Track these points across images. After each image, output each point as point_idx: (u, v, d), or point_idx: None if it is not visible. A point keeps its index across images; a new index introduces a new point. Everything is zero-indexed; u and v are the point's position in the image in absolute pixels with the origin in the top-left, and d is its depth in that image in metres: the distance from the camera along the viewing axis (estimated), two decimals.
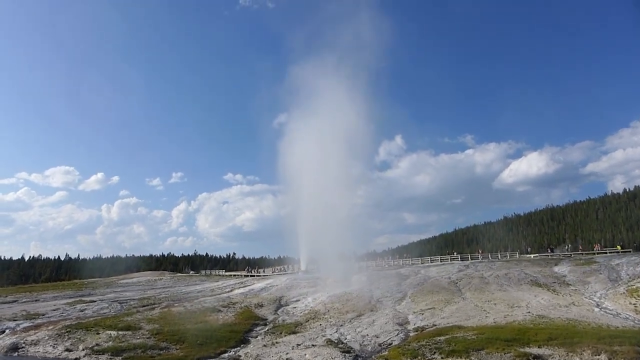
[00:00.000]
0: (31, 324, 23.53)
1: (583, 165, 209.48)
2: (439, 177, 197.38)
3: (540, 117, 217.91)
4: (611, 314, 20.38)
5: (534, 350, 13.82)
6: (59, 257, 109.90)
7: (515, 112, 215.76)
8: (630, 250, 45.25)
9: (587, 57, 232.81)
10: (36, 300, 34.38)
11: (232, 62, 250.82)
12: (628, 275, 27.03)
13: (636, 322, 18.96)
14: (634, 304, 21.39)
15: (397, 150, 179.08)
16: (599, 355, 12.81)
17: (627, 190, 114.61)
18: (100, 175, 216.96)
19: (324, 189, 47.03)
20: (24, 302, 33.71)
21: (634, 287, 23.83)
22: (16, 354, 18.73)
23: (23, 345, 19.43)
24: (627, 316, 20.02)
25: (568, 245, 56.55)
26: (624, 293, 23.30)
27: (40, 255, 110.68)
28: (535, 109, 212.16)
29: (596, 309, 21.32)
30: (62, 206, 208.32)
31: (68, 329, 20.70)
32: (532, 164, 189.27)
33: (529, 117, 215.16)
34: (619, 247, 47.10)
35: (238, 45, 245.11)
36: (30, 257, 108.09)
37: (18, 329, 22.37)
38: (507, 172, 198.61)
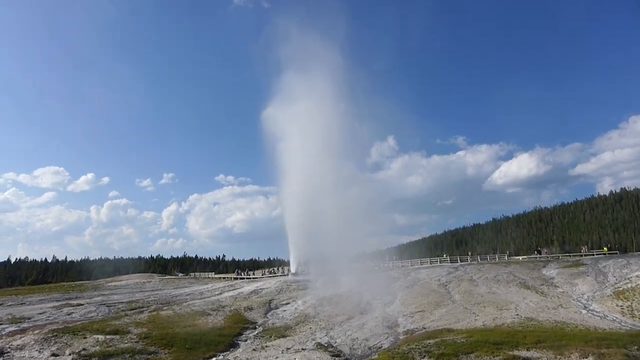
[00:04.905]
0: (17, 328, 23.10)
1: (572, 167, 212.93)
2: (430, 178, 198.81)
3: (532, 118, 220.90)
4: (598, 316, 20.62)
5: (523, 353, 13.92)
6: (46, 259, 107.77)
7: (507, 113, 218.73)
8: (617, 252, 45.96)
9: (577, 60, 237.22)
10: (22, 304, 33.82)
11: (225, 63, 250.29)
12: (615, 277, 27.37)
13: (623, 324, 19.19)
14: (621, 306, 21.67)
15: (389, 152, 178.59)
16: (586, 357, 12.94)
17: (614, 192, 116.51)
18: (90, 175, 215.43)
19: (314, 190, 46.98)
20: (10, 305, 33.13)
21: (621, 289, 24.17)
22: (1, 358, 18.38)
23: (8, 350, 19.04)
24: (614, 318, 20.26)
25: (555, 243, 56.92)
26: (610, 295, 23.60)
27: (26, 257, 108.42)
28: (527, 111, 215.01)
29: (584, 311, 21.54)
30: (50, 207, 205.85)
31: (55, 333, 20.35)
32: (522, 166, 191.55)
33: (520, 118, 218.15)
34: (605, 248, 47.68)
35: (231, 45, 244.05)
36: (16, 259, 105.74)
37: (3, 333, 21.94)
38: (498, 174, 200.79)
